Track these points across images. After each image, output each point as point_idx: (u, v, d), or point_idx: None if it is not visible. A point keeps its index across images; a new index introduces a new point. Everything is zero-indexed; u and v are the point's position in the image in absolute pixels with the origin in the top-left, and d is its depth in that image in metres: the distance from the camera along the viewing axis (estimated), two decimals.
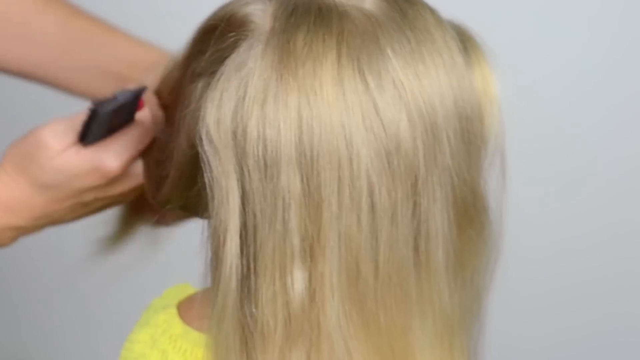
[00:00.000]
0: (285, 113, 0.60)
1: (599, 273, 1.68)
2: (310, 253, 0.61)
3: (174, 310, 0.76)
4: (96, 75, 0.84)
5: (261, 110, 0.60)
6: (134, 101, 0.74)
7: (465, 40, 0.67)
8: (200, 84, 0.65)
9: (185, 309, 0.76)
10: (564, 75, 1.58)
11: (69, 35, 0.86)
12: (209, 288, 0.70)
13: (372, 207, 0.61)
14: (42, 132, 0.72)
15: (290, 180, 0.60)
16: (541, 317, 1.72)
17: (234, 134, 0.61)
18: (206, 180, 0.63)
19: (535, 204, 1.63)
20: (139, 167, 0.76)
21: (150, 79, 0.77)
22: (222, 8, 0.66)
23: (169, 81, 0.73)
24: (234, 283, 0.63)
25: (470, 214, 0.66)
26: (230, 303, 0.63)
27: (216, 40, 0.65)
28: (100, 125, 0.72)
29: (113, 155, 0.73)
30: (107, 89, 0.81)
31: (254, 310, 0.62)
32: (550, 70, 1.57)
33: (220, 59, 0.63)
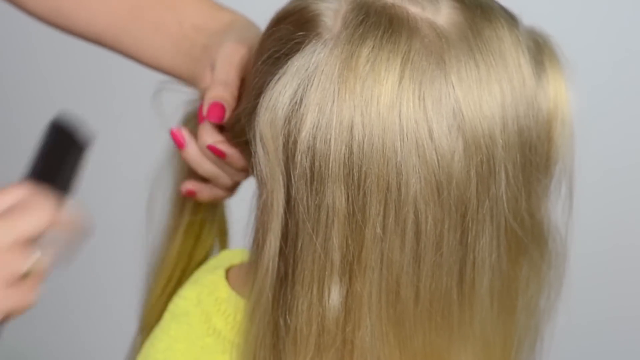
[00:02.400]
0: (338, 129, 0.58)
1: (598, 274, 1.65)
2: (350, 271, 0.61)
3: (222, 273, 0.76)
4: (162, 39, 0.81)
5: (314, 122, 0.59)
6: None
7: (543, 54, 0.63)
8: (260, 79, 0.64)
9: (234, 274, 0.76)
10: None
11: None
12: None
13: (417, 234, 0.59)
14: None
15: (336, 198, 0.59)
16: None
17: (286, 139, 0.60)
18: (256, 177, 0.63)
19: None
20: None
21: (218, 42, 0.75)
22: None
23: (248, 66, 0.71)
24: (269, 283, 0.63)
25: (525, 243, 0.63)
26: (263, 302, 0.64)
27: (285, 33, 0.63)
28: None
29: None
30: (171, 55, 0.80)
31: (287, 316, 0.62)
32: None
33: (284, 56, 0.62)
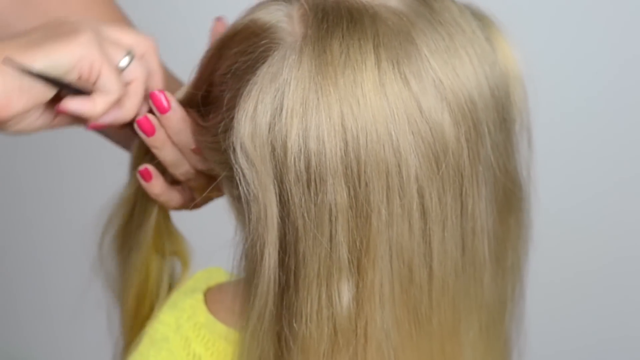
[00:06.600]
0: (329, 125, 0.58)
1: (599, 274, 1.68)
2: (358, 265, 0.61)
3: (200, 297, 0.75)
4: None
5: (302, 122, 0.58)
6: None
7: (481, 21, 0.65)
8: (228, 94, 0.63)
9: (213, 297, 0.75)
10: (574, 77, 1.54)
11: None
12: (238, 280, 0.69)
13: (424, 213, 0.60)
14: None
15: (337, 194, 0.59)
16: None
17: (272, 147, 0.59)
18: (242, 194, 0.62)
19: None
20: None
21: None
22: (247, 15, 0.64)
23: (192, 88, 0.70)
24: (271, 298, 0.62)
25: (511, 203, 0.65)
26: (267, 317, 0.63)
27: (244, 47, 0.63)
28: None
29: None
30: None
31: (294, 324, 0.62)
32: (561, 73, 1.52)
33: (250, 68, 0.61)
